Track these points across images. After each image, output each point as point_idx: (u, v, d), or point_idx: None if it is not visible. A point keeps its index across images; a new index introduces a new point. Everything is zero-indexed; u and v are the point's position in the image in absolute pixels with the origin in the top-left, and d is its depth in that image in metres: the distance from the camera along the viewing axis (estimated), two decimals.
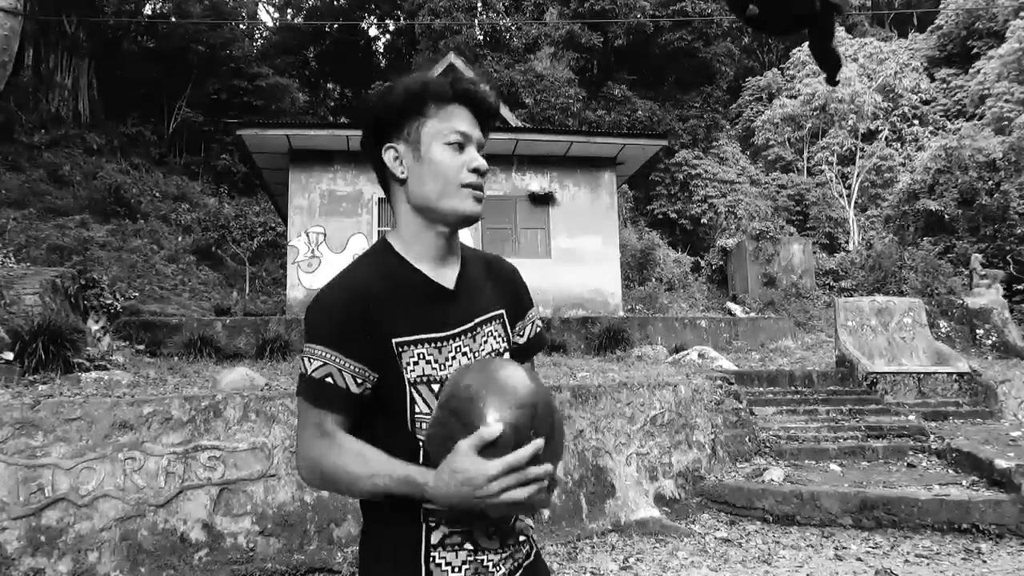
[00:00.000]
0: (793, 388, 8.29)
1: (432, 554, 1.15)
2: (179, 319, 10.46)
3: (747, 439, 6.64)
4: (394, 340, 1.17)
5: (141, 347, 8.87)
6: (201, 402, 4.34)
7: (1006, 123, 19.80)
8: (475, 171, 1.22)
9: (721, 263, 20.04)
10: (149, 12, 25.96)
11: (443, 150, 1.20)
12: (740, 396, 7.18)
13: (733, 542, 5.00)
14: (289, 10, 36.17)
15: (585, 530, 5.06)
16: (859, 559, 4.60)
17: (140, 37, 24.23)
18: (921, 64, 26.04)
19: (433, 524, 1.15)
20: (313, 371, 1.15)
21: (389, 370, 1.17)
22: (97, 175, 19.06)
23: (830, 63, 2.54)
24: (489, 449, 1.01)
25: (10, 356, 5.78)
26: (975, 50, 25.05)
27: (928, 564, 4.48)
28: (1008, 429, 7.01)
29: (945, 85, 25.79)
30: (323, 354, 1.15)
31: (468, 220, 1.23)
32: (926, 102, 25.20)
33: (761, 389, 8.13)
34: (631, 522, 5.26)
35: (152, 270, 15.50)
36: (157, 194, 20.10)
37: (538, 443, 1.02)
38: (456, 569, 1.15)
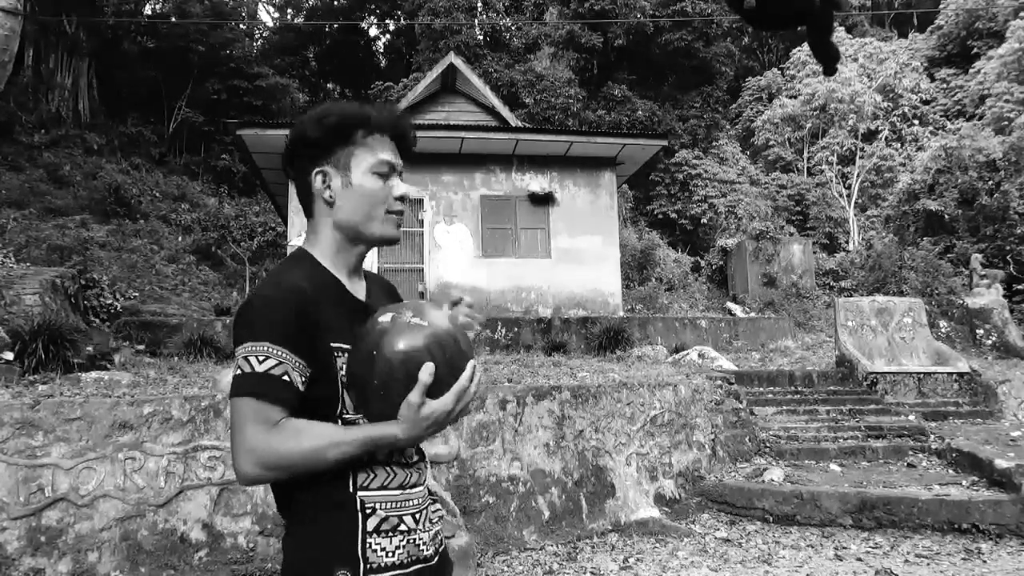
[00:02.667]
0: (793, 388, 8.29)
1: (368, 541, 1.18)
2: (179, 319, 10.45)
3: (747, 439, 6.65)
4: (331, 343, 1.20)
5: (141, 347, 8.86)
6: (201, 402, 4.33)
7: (1006, 123, 19.79)
8: (399, 199, 1.31)
9: (721, 263, 20.03)
10: (149, 12, 25.96)
11: (371, 179, 1.28)
12: (740, 396, 7.18)
13: (733, 542, 5.00)
14: (289, 10, 36.20)
15: (585, 530, 5.06)
16: (859, 559, 4.60)
17: (140, 37, 24.22)
18: (921, 64, 26.01)
19: (369, 511, 1.19)
20: (267, 369, 1.13)
21: (326, 370, 1.19)
22: (97, 175, 19.07)
23: (828, 56, 2.54)
24: (432, 387, 1.13)
25: (10, 356, 5.78)
26: (975, 50, 25.03)
27: (928, 564, 4.48)
28: (1008, 429, 7.00)
29: (945, 85, 25.77)
30: (275, 352, 1.14)
31: (390, 242, 1.33)
32: (926, 102, 25.18)
33: (761, 389, 8.13)
34: (631, 522, 5.26)
35: (152, 270, 15.50)
36: (157, 194, 20.11)
37: (472, 363, 1.17)
38: (390, 553, 1.19)
